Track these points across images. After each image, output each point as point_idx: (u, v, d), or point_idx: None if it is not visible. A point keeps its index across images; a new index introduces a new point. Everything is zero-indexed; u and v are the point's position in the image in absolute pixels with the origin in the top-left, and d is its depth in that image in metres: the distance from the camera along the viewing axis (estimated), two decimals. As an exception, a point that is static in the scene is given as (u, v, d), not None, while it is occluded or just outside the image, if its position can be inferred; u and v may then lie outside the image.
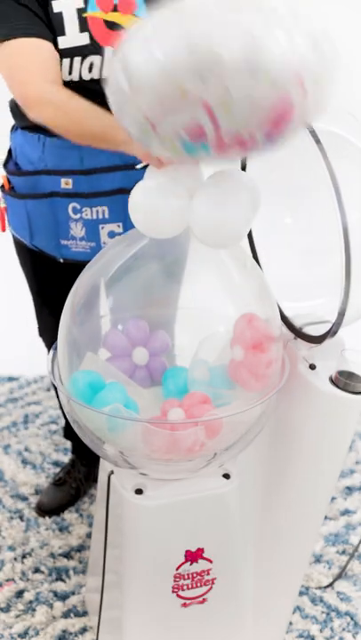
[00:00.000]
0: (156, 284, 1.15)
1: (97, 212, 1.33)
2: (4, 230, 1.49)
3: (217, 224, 0.97)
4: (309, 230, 1.18)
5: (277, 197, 1.22)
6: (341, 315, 0.98)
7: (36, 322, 1.67)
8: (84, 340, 1.11)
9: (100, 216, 1.34)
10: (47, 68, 1.20)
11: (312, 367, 1.12)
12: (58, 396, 1.83)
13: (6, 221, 1.46)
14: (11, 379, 2.45)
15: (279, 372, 1.11)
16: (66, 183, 1.33)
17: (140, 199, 1.00)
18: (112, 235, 1.35)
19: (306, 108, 0.80)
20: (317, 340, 1.10)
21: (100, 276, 1.10)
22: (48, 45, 1.21)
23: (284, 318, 1.21)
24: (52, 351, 1.14)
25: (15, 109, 1.34)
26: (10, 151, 1.44)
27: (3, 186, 1.43)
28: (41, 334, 1.69)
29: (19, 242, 1.50)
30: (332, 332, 1.03)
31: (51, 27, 1.22)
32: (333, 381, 1.09)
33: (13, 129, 1.41)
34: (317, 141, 0.91)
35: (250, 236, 1.27)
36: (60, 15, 1.22)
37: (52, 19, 1.22)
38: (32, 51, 1.19)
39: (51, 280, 1.51)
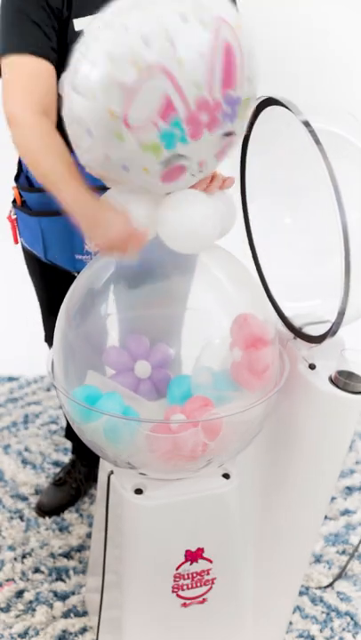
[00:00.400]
0: (159, 286, 1.15)
1: None
2: (16, 242, 1.48)
3: (182, 226, 0.99)
4: (309, 230, 1.18)
5: (278, 197, 1.22)
6: (341, 314, 0.98)
7: (43, 329, 1.66)
8: (78, 343, 1.11)
9: None
10: (36, 92, 1.15)
11: (312, 367, 1.12)
12: (58, 396, 1.83)
13: (18, 233, 1.46)
14: (11, 379, 2.44)
15: (279, 371, 1.11)
16: None
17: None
18: None
19: (243, 56, 0.89)
20: (317, 339, 1.10)
21: (95, 279, 1.10)
22: (45, 67, 1.17)
23: (284, 318, 1.21)
24: (51, 352, 1.14)
25: None
26: (20, 165, 1.42)
27: (15, 200, 1.42)
28: (47, 340, 1.69)
29: (29, 253, 1.49)
30: (331, 332, 1.03)
31: (67, 45, 1.18)
32: (333, 381, 1.09)
33: None
34: (317, 141, 0.91)
35: (250, 236, 1.27)
36: (80, 33, 1.20)
37: (71, 37, 1.18)
38: (31, 71, 1.16)
39: (61, 291, 1.49)
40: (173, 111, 0.86)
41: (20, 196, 1.40)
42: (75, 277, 1.39)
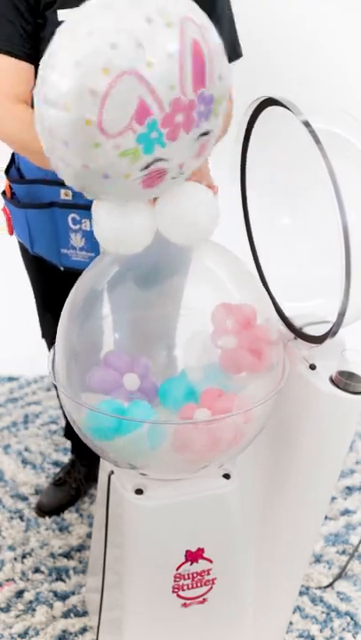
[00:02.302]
0: (157, 287, 1.15)
1: None
2: (11, 234, 1.50)
3: (181, 216, 0.99)
4: (309, 230, 1.18)
5: (278, 197, 1.22)
6: (341, 315, 0.98)
7: (39, 325, 1.67)
8: (81, 344, 1.10)
9: None
10: (14, 89, 1.21)
11: (312, 367, 1.12)
12: (58, 396, 1.83)
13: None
14: (11, 379, 2.44)
15: (280, 372, 1.11)
16: (65, 194, 1.33)
17: (104, 221, 1.00)
18: None
19: (211, 54, 0.89)
20: (318, 340, 1.10)
21: (98, 279, 1.10)
22: (20, 65, 1.22)
23: (284, 318, 1.21)
24: (52, 351, 1.14)
25: None
26: (13, 158, 1.43)
27: (4, 192, 1.44)
28: (44, 336, 1.69)
29: (23, 246, 1.51)
30: (332, 333, 1.02)
31: (49, 39, 1.22)
32: (334, 381, 1.09)
33: None
34: (318, 141, 0.91)
35: (250, 236, 1.27)
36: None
37: (52, 30, 1.21)
38: (6, 69, 1.21)
39: (52, 286, 1.51)
40: (149, 114, 0.85)
41: (11, 189, 1.42)
42: (63, 272, 1.41)
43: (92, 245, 1.36)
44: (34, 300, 1.65)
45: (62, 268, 1.42)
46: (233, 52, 1.38)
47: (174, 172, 0.95)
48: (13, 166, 1.42)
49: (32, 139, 1.10)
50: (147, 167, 0.90)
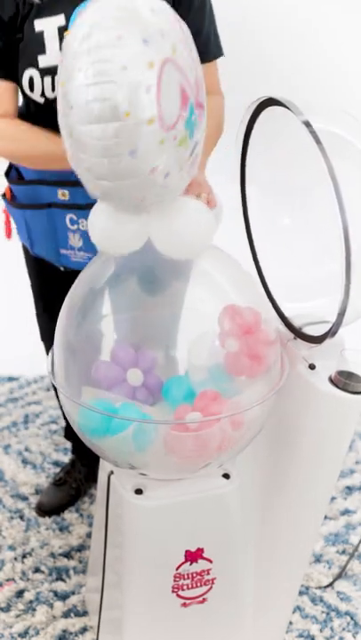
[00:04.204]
0: (154, 287, 1.15)
1: None
2: (8, 237, 1.50)
3: (176, 232, 0.98)
4: (309, 230, 1.18)
5: (278, 197, 1.22)
6: (341, 315, 0.98)
7: (38, 327, 1.67)
8: (80, 342, 1.10)
9: None
10: None
11: (312, 367, 1.12)
12: (57, 397, 1.83)
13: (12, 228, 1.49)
14: (11, 379, 2.45)
15: (279, 371, 1.11)
16: (62, 195, 1.33)
17: (100, 222, 1.00)
18: None
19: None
20: (317, 340, 1.10)
21: (97, 278, 1.10)
22: (3, 85, 1.25)
23: (284, 318, 1.21)
24: (51, 352, 1.14)
25: None
26: None
27: (4, 194, 1.44)
28: (42, 339, 1.70)
29: (25, 247, 1.53)
30: (331, 332, 1.03)
31: (27, 48, 1.23)
32: (333, 381, 1.09)
33: None
34: (318, 142, 0.91)
35: (250, 236, 1.27)
36: (41, 34, 1.21)
37: (31, 38, 1.22)
38: None
39: (52, 286, 1.52)
40: (187, 98, 0.86)
41: (11, 191, 1.42)
42: (63, 273, 1.42)
43: (91, 246, 1.35)
44: (33, 302, 1.66)
45: (62, 269, 1.42)
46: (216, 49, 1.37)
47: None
48: (13, 168, 1.42)
49: (16, 148, 1.12)
50: (191, 153, 0.91)
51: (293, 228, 1.23)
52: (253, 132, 1.15)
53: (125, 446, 1.01)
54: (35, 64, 1.22)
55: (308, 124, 0.92)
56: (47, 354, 1.68)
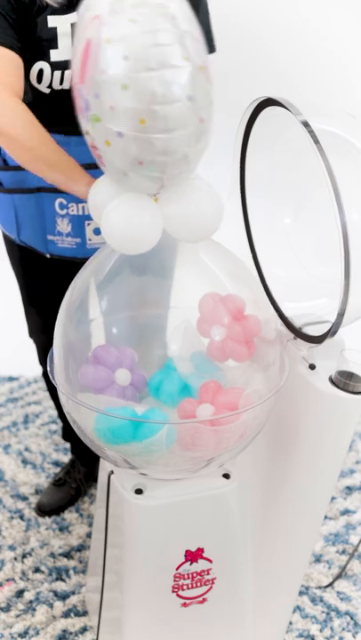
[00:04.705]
0: (147, 285, 1.15)
1: (83, 207, 1.35)
2: None
3: (189, 215, 0.99)
4: (309, 230, 1.18)
5: (278, 197, 1.22)
6: (341, 315, 0.98)
7: (26, 322, 1.68)
8: (79, 342, 1.11)
9: (86, 212, 1.35)
10: (9, 78, 1.21)
11: (312, 367, 1.12)
12: (53, 399, 1.83)
13: None
14: (11, 379, 2.45)
15: (279, 372, 1.11)
16: None
17: (116, 223, 0.98)
18: (97, 232, 1.36)
19: None
20: (317, 340, 1.10)
21: (93, 276, 1.10)
22: (14, 56, 1.21)
23: (284, 318, 1.21)
24: (50, 353, 1.14)
25: None
26: None
27: None
28: (31, 335, 1.70)
29: (7, 238, 1.52)
30: (331, 332, 1.02)
31: (41, 40, 1.23)
32: (333, 381, 1.09)
33: None
34: (316, 141, 0.91)
35: (250, 236, 1.27)
36: (54, 30, 1.23)
37: (44, 33, 1.23)
38: (1, 59, 1.20)
39: (38, 277, 1.53)
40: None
41: None
42: (49, 261, 1.42)
43: (79, 231, 1.37)
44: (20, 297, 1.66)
45: (48, 256, 1.43)
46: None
47: None
48: None
49: (22, 134, 1.13)
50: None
51: (293, 228, 1.23)
52: (253, 131, 1.15)
53: (157, 448, 1.00)
54: (46, 58, 1.24)
55: (306, 124, 0.92)
56: (37, 349, 1.69)
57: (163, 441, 0.98)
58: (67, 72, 1.25)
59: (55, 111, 1.26)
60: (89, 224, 1.36)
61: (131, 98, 0.86)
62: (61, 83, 1.26)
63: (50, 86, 1.27)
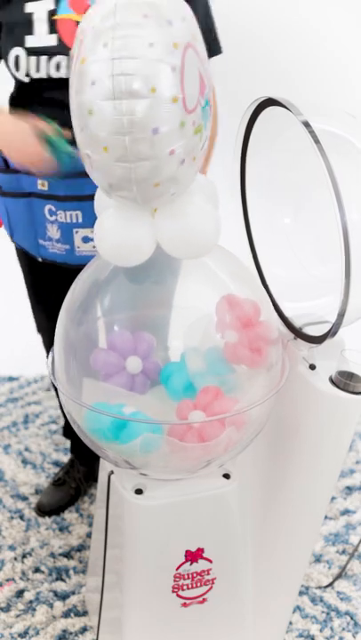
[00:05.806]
0: (151, 285, 1.15)
1: (71, 215, 1.35)
2: None
3: (183, 233, 0.96)
4: (309, 230, 1.18)
5: (278, 197, 1.22)
6: (341, 315, 0.98)
7: (33, 319, 1.70)
8: (80, 342, 1.11)
9: (74, 220, 1.35)
10: None
11: (312, 367, 1.12)
12: (57, 396, 1.83)
13: None
14: (11, 379, 2.45)
15: (279, 371, 1.11)
16: (42, 185, 1.34)
17: (106, 231, 0.97)
18: (86, 240, 1.37)
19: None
20: (318, 340, 1.10)
21: (95, 276, 1.10)
22: None
23: (284, 318, 1.21)
24: (51, 352, 1.14)
25: None
26: None
27: None
28: (39, 331, 1.72)
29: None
30: (332, 333, 1.02)
31: (15, 26, 1.25)
32: (333, 381, 1.09)
33: None
34: (316, 141, 0.91)
35: (250, 236, 1.27)
36: (30, 15, 1.25)
37: (19, 18, 1.25)
38: None
39: (37, 277, 1.55)
40: (205, 86, 0.85)
41: None
42: (42, 264, 1.44)
43: (67, 238, 1.38)
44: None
45: (40, 259, 1.44)
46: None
47: None
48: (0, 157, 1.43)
49: None
50: (201, 147, 0.89)
51: (293, 228, 1.23)
52: (253, 131, 1.15)
53: (133, 451, 1.01)
54: (21, 44, 1.26)
55: (306, 124, 0.92)
56: (43, 345, 1.71)
57: (137, 448, 0.98)
58: (42, 58, 1.25)
59: (38, 103, 1.27)
60: (77, 232, 1.37)
61: (95, 124, 0.83)
62: (38, 70, 1.26)
63: (28, 74, 1.27)
